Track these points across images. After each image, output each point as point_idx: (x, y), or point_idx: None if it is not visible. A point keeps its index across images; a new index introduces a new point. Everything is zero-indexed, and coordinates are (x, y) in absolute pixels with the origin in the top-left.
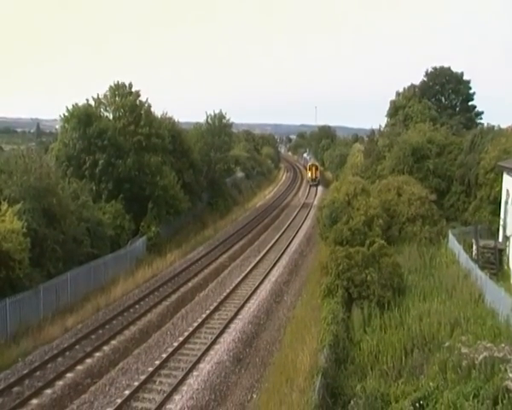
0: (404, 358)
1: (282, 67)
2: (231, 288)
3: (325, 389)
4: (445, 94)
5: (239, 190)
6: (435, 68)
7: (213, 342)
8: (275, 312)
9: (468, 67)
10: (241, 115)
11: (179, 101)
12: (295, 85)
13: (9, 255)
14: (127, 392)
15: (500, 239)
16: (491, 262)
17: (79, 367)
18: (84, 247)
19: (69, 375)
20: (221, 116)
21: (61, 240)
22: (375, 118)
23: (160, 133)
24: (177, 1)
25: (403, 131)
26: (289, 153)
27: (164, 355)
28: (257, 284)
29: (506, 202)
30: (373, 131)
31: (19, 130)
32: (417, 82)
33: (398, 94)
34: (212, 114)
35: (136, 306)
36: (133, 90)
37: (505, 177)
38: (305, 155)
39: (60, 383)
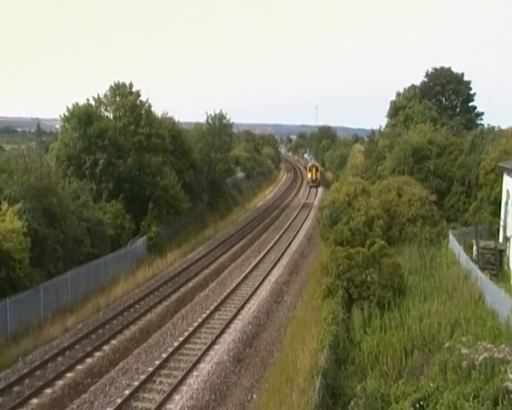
0: (404, 358)
1: (282, 67)
2: (231, 288)
3: (325, 390)
4: (445, 95)
5: (239, 190)
6: (436, 69)
7: (213, 343)
8: (275, 312)
9: (468, 68)
10: (242, 115)
11: (180, 101)
12: (296, 86)
13: (10, 255)
14: (127, 392)
15: (500, 240)
16: (492, 263)
17: (79, 367)
18: (84, 247)
19: (69, 375)
20: (221, 116)
21: (62, 240)
22: (375, 118)
23: (160, 133)
24: (178, 1)
25: (403, 131)
26: (290, 153)
27: (164, 355)
28: (257, 285)
29: (506, 203)
30: (373, 131)
31: (19, 129)
32: (418, 82)
33: (398, 94)
34: (213, 114)
35: (137, 305)
36: (133, 90)
37: (505, 177)
38: (305, 155)
39: (60, 382)
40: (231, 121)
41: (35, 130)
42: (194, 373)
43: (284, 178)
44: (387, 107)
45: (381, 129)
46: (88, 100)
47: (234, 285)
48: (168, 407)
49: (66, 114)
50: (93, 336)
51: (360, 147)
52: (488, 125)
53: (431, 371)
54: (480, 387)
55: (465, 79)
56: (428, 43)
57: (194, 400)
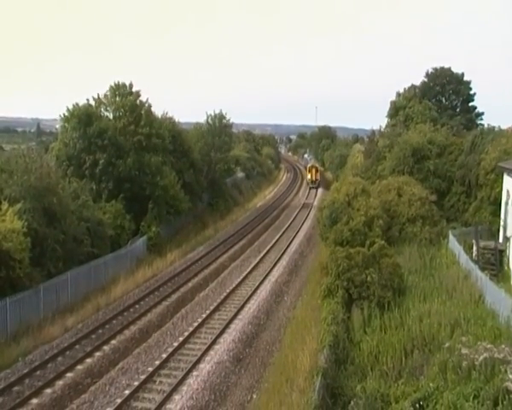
0: (404, 358)
1: (282, 67)
2: (231, 288)
3: (325, 390)
4: (445, 95)
5: (239, 190)
6: (436, 69)
7: (213, 343)
8: (275, 312)
9: (468, 68)
10: (242, 115)
11: (179, 101)
12: (295, 86)
13: (10, 255)
14: (127, 392)
15: (500, 240)
16: (492, 263)
17: (79, 367)
18: (84, 246)
19: (69, 375)
20: (221, 116)
21: (62, 240)
22: (375, 118)
23: (160, 133)
24: (178, 1)
25: (403, 131)
26: (289, 153)
27: (164, 355)
28: (257, 285)
29: (506, 203)
30: (373, 131)
31: (19, 129)
32: (418, 83)
33: (398, 94)
34: (213, 114)
35: (137, 305)
36: (133, 90)
37: (505, 178)
38: (305, 155)
39: (60, 382)
40: (231, 121)
41: (35, 130)
42: (194, 373)
43: (284, 178)
44: (387, 107)
45: (381, 129)
46: (88, 100)
47: (234, 285)
48: (168, 407)
49: (66, 114)
50: (93, 336)
51: (360, 147)
52: (488, 125)
53: (431, 371)
54: (480, 387)
55: (465, 79)
56: (428, 43)
57: (194, 400)
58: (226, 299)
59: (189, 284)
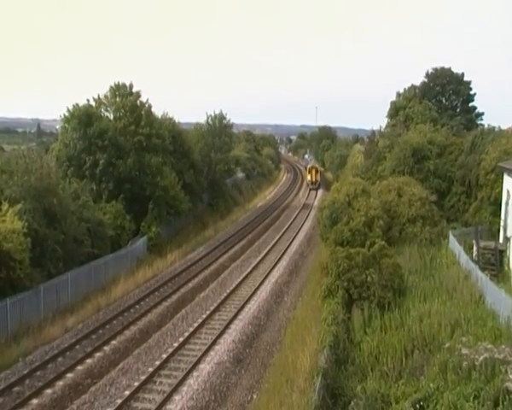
0: (404, 359)
1: (282, 67)
2: (231, 288)
3: (325, 390)
4: (445, 95)
5: (239, 190)
6: (436, 69)
7: (213, 343)
8: (275, 313)
9: (468, 68)
10: (242, 116)
11: (180, 101)
12: (296, 86)
13: (10, 255)
14: (127, 392)
15: (500, 240)
16: (492, 263)
17: (80, 367)
18: (84, 247)
19: (69, 375)
20: (221, 117)
21: (62, 240)
22: (375, 119)
23: (160, 134)
24: (178, 1)
25: (403, 131)
26: (290, 154)
27: (164, 356)
28: (257, 285)
29: (506, 203)
30: (373, 131)
31: (19, 130)
32: (418, 83)
33: (398, 95)
34: (213, 114)
35: (137, 306)
36: (134, 90)
37: (506, 178)
38: (306, 156)
39: (60, 383)
40: (231, 122)
41: (35, 130)
42: (195, 374)
43: (284, 178)
44: (387, 107)
45: (381, 129)
46: (88, 100)
47: (234, 286)
48: (168, 407)
49: (67, 114)
50: (93, 336)
51: (360, 147)
52: (488, 125)
53: (431, 371)
54: (481, 387)
55: (465, 79)
56: (428, 43)
57: (195, 400)
58: (226, 299)
59: (190, 285)
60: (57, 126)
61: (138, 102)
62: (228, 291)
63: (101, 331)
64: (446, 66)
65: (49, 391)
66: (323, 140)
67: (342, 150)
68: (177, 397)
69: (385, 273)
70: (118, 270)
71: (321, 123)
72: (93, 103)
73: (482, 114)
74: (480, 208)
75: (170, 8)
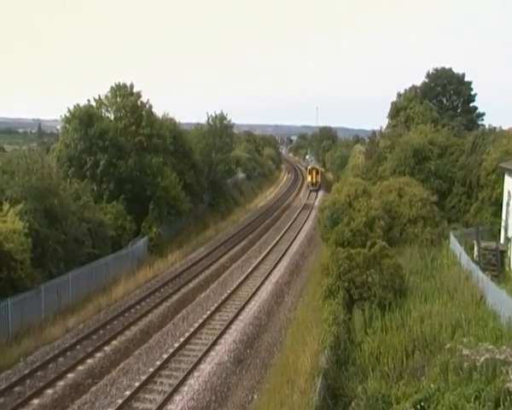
0: (405, 359)
1: (282, 67)
2: (232, 289)
3: (326, 391)
4: (446, 95)
5: (240, 190)
6: (436, 69)
7: (214, 343)
8: (276, 313)
9: (469, 69)
10: (242, 116)
11: (180, 101)
12: (296, 86)
13: (11, 256)
14: (128, 392)
15: (502, 241)
16: (493, 264)
17: (80, 367)
18: (85, 247)
19: (70, 375)
20: (222, 117)
21: (63, 240)
22: (376, 119)
23: (161, 134)
24: (178, 1)
25: (404, 132)
26: (290, 154)
27: (165, 356)
28: (258, 285)
29: (507, 204)
30: (374, 132)
31: (20, 130)
32: (418, 83)
33: (399, 95)
34: (214, 114)
35: (138, 306)
36: (134, 90)
37: (507, 178)
38: (307, 156)
39: (61, 383)
40: (232, 122)
41: (36, 131)
42: (195, 374)
43: (285, 178)
44: (388, 107)
45: (382, 130)
46: (89, 101)
47: (235, 286)
48: (169, 407)
49: (67, 114)
50: (94, 336)
51: (361, 148)
52: (489, 125)
53: (432, 372)
54: (482, 388)
55: (466, 79)
56: (429, 43)
57: (195, 400)
58: (227, 300)
59: (190, 285)
60: (58, 127)
61: (139, 102)
62: (228, 291)
63: (101, 332)
64: (447, 66)
65: (49, 391)
66: (324, 140)
67: (343, 151)
68: (177, 397)
69: (386, 274)
70: (118, 270)
71: (321, 123)
72: (94, 104)
73: (483, 114)
74: (481, 209)
75: (170, 8)
